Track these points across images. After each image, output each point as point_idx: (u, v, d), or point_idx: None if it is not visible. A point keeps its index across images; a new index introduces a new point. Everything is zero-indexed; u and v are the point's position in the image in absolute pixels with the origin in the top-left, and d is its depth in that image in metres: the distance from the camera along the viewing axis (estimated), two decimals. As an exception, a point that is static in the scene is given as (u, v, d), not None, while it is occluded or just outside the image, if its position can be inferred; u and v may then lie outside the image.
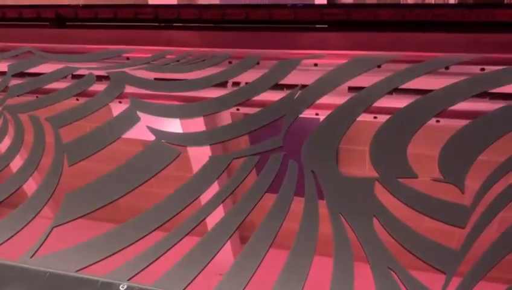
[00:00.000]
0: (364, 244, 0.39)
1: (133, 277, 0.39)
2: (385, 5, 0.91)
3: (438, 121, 0.55)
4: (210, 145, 0.54)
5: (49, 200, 0.48)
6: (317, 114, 0.59)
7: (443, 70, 0.63)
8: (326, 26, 0.78)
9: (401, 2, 1.17)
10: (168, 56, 0.75)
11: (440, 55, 0.65)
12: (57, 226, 0.45)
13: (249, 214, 0.44)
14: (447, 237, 0.40)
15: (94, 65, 0.75)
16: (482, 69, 0.62)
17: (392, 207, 0.43)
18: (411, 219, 0.41)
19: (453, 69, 0.63)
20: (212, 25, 0.84)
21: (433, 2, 1.19)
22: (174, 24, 0.87)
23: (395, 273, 0.36)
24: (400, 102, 0.58)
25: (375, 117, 0.57)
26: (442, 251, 0.38)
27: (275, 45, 0.77)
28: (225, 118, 0.61)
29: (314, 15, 0.80)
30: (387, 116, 0.55)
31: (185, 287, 0.37)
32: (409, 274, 0.36)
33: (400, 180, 0.45)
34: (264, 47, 0.76)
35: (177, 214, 0.45)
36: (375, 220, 0.41)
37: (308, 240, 0.40)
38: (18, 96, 0.69)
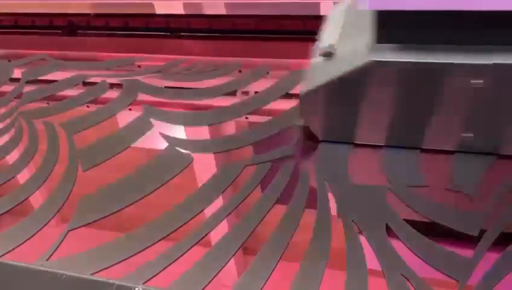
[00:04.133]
0: (377, 252, 0.39)
1: (148, 280, 0.39)
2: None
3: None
4: (224, 152, 0.55)
5: (63, 204, 0.49)
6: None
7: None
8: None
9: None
10: (180, 65, 0.76)
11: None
12: (72, 229, 0.45)
13: (260, 222, 0.44)
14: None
15: (106, 73, 0.76)
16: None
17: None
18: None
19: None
20: (222, 34, 0.85)
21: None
22: (184, 33, 0.88)
23: (409, 280, 0.37)
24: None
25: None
26: (454, 258, 0.38)
27: (284, 54, 0.78)
28: (233, 126, 0.62)
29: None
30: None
31: (200, 291, 0.38)
32: (423, 281, 0.36)
33: (411, 188, 0.46)
34: (274, 56, 0.77)
35: (190, 220, 0.45)
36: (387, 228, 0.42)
37: (320, 249, 0.41)
38: (31, 102, 0.70)
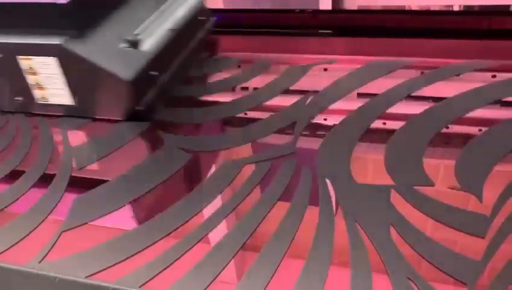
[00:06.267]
0: (382, 254, 0.38)
1: (144, 283, 0.38)
2: (393, 11, 0.91)
3: (447, 128, 0.54)
4: (223, 150, 0.54)
5: (58, 203, 0.47)
6: (325, 119, 0.58)
7: (454, 76, 0.62)
8: (333, 31, 0.78)
9: (406, 9, 1.17)
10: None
11: (451, 62, 0.65)
12: (66, 230, 0.44)
13: (262, 221, 0.43)
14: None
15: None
16: (494, 76, 0.61)
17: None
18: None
19: (464, 75, 0.62)
20: (220, 29, 0.83)
21: (437, 9, 1.19)
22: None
23: (414, 283, 0.36)
24: (410, 109, 0.57)
25: (384, 123, 0.56)
26: (462, 260, 0.37)
27: (283, 49, 0.76)
28: (232, 123, 0.61)
29: (324, 20, 0.80)
30: (397, 123, 0.54)
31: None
32: (429, 284, 0.35)
33: (416, 188, 0.45)
34: (273, 52, 0.75)
35: (189, 219, 0.44)
36: (392, 229, 0.40)
37: (324, 248, 0.39)
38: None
